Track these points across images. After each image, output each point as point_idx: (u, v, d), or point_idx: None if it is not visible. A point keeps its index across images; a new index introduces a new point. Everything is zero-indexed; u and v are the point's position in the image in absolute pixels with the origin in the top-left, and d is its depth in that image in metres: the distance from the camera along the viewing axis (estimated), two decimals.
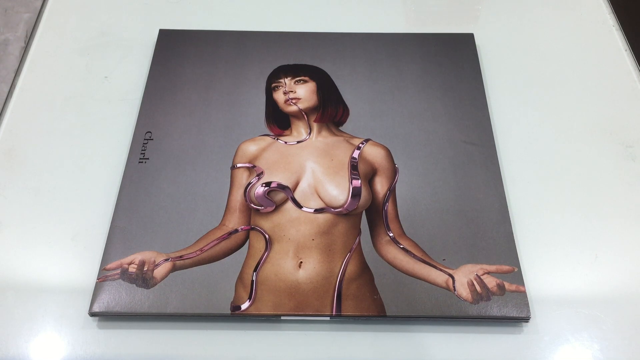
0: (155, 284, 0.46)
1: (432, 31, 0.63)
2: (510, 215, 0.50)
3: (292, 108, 0.55)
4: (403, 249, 0.48)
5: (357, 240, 0.48)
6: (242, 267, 0.47)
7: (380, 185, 0.51)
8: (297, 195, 0.50)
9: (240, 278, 0.46)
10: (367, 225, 0.49)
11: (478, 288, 0.46)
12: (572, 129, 0.57)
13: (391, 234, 0.49)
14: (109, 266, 0.47)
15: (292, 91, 0.56)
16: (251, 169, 0.52)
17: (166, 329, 0.45)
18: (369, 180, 0.51)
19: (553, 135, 0.57)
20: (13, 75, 0.61)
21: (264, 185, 0.50)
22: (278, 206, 0.50)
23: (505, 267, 0.47)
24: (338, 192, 0.50)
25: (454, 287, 0.46)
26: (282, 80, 0.58)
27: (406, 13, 0.67)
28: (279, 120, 0.55)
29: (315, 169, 0.52)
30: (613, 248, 0.49)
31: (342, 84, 0.58)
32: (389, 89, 0.58)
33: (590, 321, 0.46)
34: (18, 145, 0.56)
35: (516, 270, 0.47)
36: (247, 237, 0.48)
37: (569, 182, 0.53)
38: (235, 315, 0.45)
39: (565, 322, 0.46)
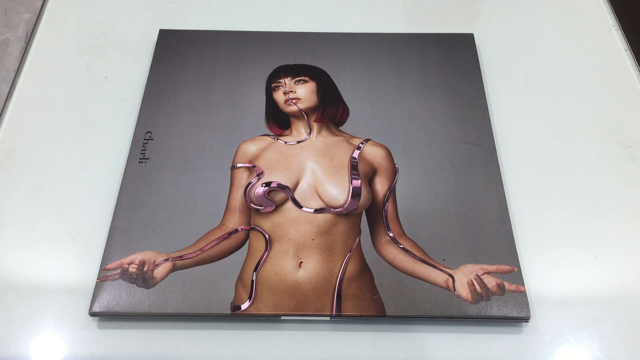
0: (155, 284, 0.46)
1: (432, 31, 0.63)
2: (510, 215, 0.50)
3: (292, 108, 0.55)
4: (403, 248, 0.48)
5: (357, 240, 0.48)
6: (242, 267, 0.47)
7: (380, 185, 0.51)
8: (297, 195, 0.50)
9: (240, 278, 0.46)
10: (367, 225, 0.49)
11: (478, 288, 0.46)
12: (572, 129, 0.57)
13: (391, 234, 0.49)
14: (109, 266, 0.47)
15: (292, 91, 0.56)
16: (251, 168, 0.52)
17: (166, 329, 0.45)
18: (369, 180, 0.51)
19: (553, 135, 0.57)
20: (13, 75, 0.61)
21: (264, 185, 0.50)
22: (278, 206, 0.50)
23: (505, 267, 0.47)
24: (338, 192, 0.50)
25: (454, 287, 0.46)
26: (282, 80, 0.58)
27: (406, 13, 0.67)
28: (279, 120, 0.55)
29: (315, 168, 0.52)
30: (613, 248, 0.49)
31: (342, 84, 0.58)
32: (389, 89, 0.58)
33: (590, 321, 0.46)
34: (18, 145, 0.56)
35: (516, 270, 0.47)
36: (247, 237, 0.48)
37: (568, 182, 0.53)
38: (235, 315, 0.45)
39: (565, 322, 0.46)
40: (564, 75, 0.61)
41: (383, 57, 0.61)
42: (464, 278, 0.46)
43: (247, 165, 0.52)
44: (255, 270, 0.47)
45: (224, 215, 0.50)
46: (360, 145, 0.53)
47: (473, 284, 0.46)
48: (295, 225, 0.49)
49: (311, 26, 0.64)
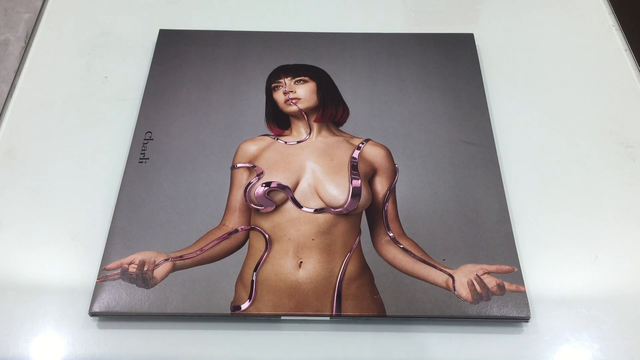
0: (155, 284, 0.46)
1: (432, 31, 0.63)
2: (510, 215, 0.50)
3: (292, 108, 0.55)
4: (403, 248, 0.48)
5: (357, 240, 0.48)
6: (242, 267, 0.47)
7: (380, 185, 0.51)
8: (297, 195, 0.50)
9: (240, 278, 0.46)
10: (367, 225, 0.49)
11: (478, 288, 0.46)
12: (572, 129, 0.57)
13: (391, 234, 0.49)
14: (109, 266, 0.47)
15: (292, 91, 0.56)
16: (251, 168, 0.52)
17: (166, 329, 0.45)
18: (369, 180, 0.51)
19: (553, 135, 0.57)
20: (13, 75, 0.61)
21: (264, 185, 0.50)
22: (278, 206, 0.50)
23: (505, 267, 0.47)
24: (338, 192, 0.50)
25: (454, 287, 0.46)
26: (282, 80, 0.58)
27: (406, 13, 0.67)
28: (279, 120, 0.55)
29: (315, 168, 0.52)
30: (613, 248, 0.49)
31: (342, 84, 0.58)
32: (389, 89, 0.58)
33: (590, 321, 0.46)
34: (18, 145, 0.56)
35: (516, 270, 0.47)
36: (247, 237, 0.48)
37: (568, 182, 0.53)
38: (235, 315, 0.45)
39: (565, 322, 0.46)
40: (564, 75, 0.61)
41: (383, 57, 0.61)
42: (464, 278, 0.46)
43: (247, 165, 0.52)
44: (255, 270, 0.47)
45: (224, 215, 0.50)
46: (360, 145, 0.53)
47: (473, 284, 0.46)
48: (295, 225, 0.49)
49: (311, 26, 0.64)
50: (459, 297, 0.45)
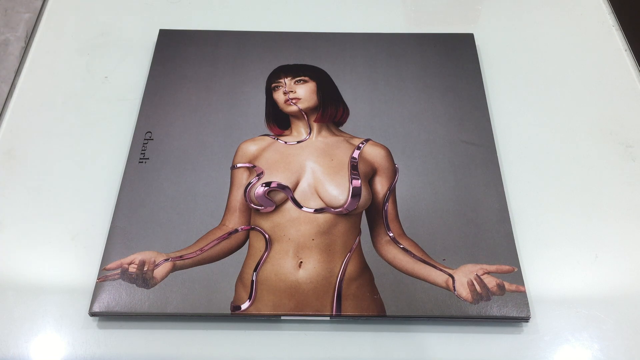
0: (155, 284, 0.46)
1: (432, 31, 0.63)
2: (510, 215, 0.50)
3: (292, 108, 0.55)
4: (403, 248, 0.48)
5: (357, 240, 0.48)
6: (242, 267, 0.47)
7: (380, 185, 0.51)
8: (297, 195, 0.50)
9: (240, 278, 0.46)
10: (367, 225, 0.49)
11: (478, 288, 0.46)
12: (572, 129, 0.57)
13: (391, 234, 0.49)
14: (109, 266, 0.47)
15: (292, 91, 0.56)
16: (251, 168, 0.52)
17: (166, 329, 0.45)
18: (369, 180, 0.51)
19: (553, 135, 0.57)
20: (13, 75, 0.61)
21: (264, 185, 0.50)
22: (278, 206, 0.50)
23: (505, 267, 0.47)
24: (338, 192, 0.50)
25: (454, 287, 0.46)
26: (282, 80, 0.58)
27: (406, 13, 0.67)
28: (279, 120, 0.55)
29: (315, 168, 0.52)
30: (613, 248, 0.49)
31: (342, 84, 0.58)
32: (389, 89, 0.58)
33: (590, 321, 0.46)
34: (18, 145, 0.56)
35: (516, 270, 0.47)
36: (247, 237, 0.48)
37: (568, 182, 0.53)
38: (235, 315, 0.45)
39: (565, 322, 0.46)
40: (564, 75, 0.61)
41: (383, 57, 0.61)
42: (464, 278, 0.46)
43: (247, 165, 0.52)
44: (255, 270, 0.47)
45: (224, 215, 0.50)
46: (360, 145, 0.53)
47: (473, 284, 0.46)
48: (295, 225, 0.49)
49: (311, 26, 0.64)
50: (459, 297, 0.45)
